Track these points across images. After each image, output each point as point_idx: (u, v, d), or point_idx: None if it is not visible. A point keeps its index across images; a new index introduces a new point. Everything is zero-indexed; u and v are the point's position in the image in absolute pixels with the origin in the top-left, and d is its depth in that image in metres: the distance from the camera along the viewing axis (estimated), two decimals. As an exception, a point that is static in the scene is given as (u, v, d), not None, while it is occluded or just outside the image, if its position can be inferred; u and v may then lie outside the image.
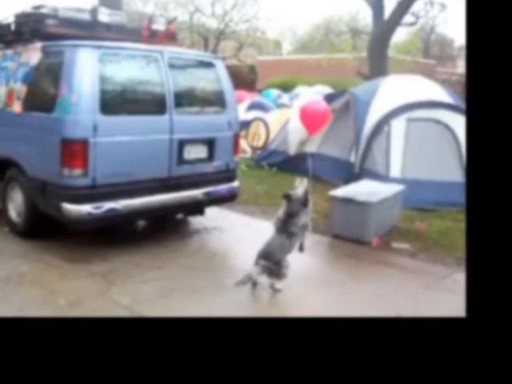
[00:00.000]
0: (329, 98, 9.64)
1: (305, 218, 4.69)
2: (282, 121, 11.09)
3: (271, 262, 4.52)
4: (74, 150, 4.94)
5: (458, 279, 5.27)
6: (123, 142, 5.20)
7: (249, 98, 16.78)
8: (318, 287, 4.95)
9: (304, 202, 4.66)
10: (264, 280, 4.63)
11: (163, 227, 6.43)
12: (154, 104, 5.53)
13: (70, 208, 4.97)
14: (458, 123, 8.03)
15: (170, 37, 6.65)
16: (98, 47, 5.12)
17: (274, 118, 12.31)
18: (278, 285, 4.59)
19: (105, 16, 6.12)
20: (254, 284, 4.60)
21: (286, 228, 4.63)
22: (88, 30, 5.91)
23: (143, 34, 6.45)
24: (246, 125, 12.33)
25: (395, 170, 7.68)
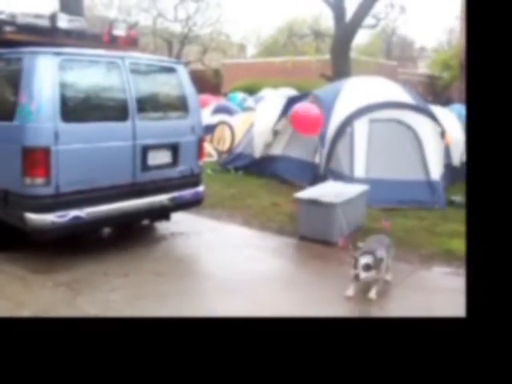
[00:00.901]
0: (292, 101, 9.69)
1: None
2: (247, 124, 11.12)
3: None
4: (36, 159, 4.87)
5: (422, 276, 5.38)
6: (86, 149, 5.15)
7: (214, 101, 16.78)
8: (286, 288, 4.98)
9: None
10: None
11: (129, 234, 6.39)
12: (116, 110, 5.48)
13: (33, 217, 4.89)
14: (420, 123, 8.22)
15: (131, 42, 6.62)
16: (58, 54, 5.06)
17: (239, 122, 12.34)
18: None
19: (64, 22, 6.05)
20: None
21: None
22: (47, 36, 5.84)
23: (104, 39, 6.40)
24: (211, 129, 12.34)
25: (359, 171, 7.79)
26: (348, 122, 8.08)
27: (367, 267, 4.48)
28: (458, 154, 9.61)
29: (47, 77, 4.93)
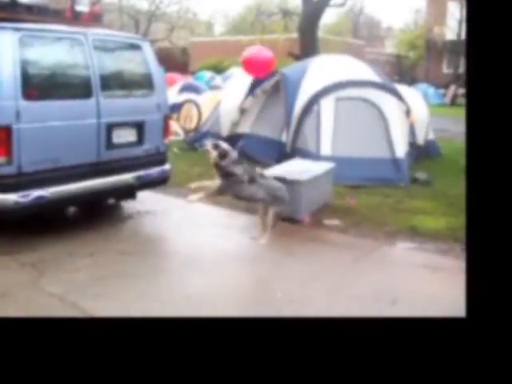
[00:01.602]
0: (259, 79, 9.67)
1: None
2: (214, 102, 11.06)
3: None
4: (-3, 138, 4.77)
5: (385, 252, 5.49)
6: (49, 127, 5.06)
7: (181, 80, 16.63)
8: (252, 265, 5.02)
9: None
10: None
11: (94, 213, 6.33)
12: (79, 88, 5.39)
13: (-5, 197, 4.81)
14: (385, 101, 8.30)
15: (94, 18, 6.52)
16: (18, 29, 4.92)
17: (205, 100, 12.27)
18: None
19: (24, -3, 5.92)
20: None
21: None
22: (7, 11, 5.70)
23: (66, 15, 6.28)
24: (177, 107, 12.24)
25: (326, 149, 7.84)
26: (314, 100, 8.11)
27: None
28: (423, 133, 9.77)
29: (7, 53, 4.81)
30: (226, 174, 4.61)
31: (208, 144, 4.82)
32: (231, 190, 4.67)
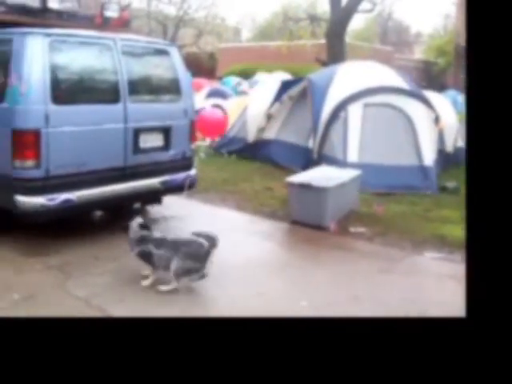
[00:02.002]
0: (286, 85, 9.65)
1: None
2: (241, 108, 11.06)
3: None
4: (26, 141, 4.83)
5: (413, 261, 5.40)
6: (77, 131, 5.11)
7: (208, 85, 16.72)
8: (278, 272, 4.98)
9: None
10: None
11: (120, 217, 6.35)
12: (107, 92, 5.44)
13: (23, 200, 4.86)
14: (414, 108, 8.20)
15: (123, 24, 6.56)
16: (48, 35, 4.99)
17: (232, 106, 12.29)
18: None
19: (55, 3, 6.00)
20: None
21: None
22: (38, 17, 5.77)
23: (96, 21, 6.34)
24: (204, 113, 12.28)
25: (352, 155, 7.77)
26: (342, 106, 8.05)
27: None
28: (452, 140, 9.62)
29: (37, 58, 4.87)
30: (137, 254, 4.59)
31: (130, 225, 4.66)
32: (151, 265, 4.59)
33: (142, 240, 4.50)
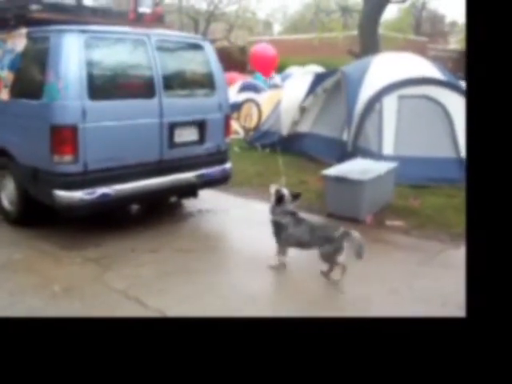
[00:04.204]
0: (320, 78, 9.58)
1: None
2: (274, 101, 11.03)
3: None
4: (64, 137, 4.91)
5: (452, 254, 5.31)
6: (113, 126, 5.17)
7: (240, 79, 16.71)
8: (314, 266, 4.95)
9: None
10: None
11: (156, 211, 6.42)
12: (142, 87, 5.48)
13: (62, 194, 4.95)
14: (450, 99, 8.03)
15: (156, 19, 6.60)
16: (84, 32, 5.05)
17: (265, 99, 12.27)
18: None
19: (90, 0, 6.06)
20: None
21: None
22: (73, 14, 5.85)
23: (129, 17, 6.39)
24: (237, 106, 12.31)
25: (388, 148, 7.67)
26: (376, 98, 7.95)
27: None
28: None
29: (74, 55, 4.94)
30: (272, 222, 4.65)
31: (271, 188, 4.81)
32: (277, 238, 4.67)
33: (285, 213, 4.66)
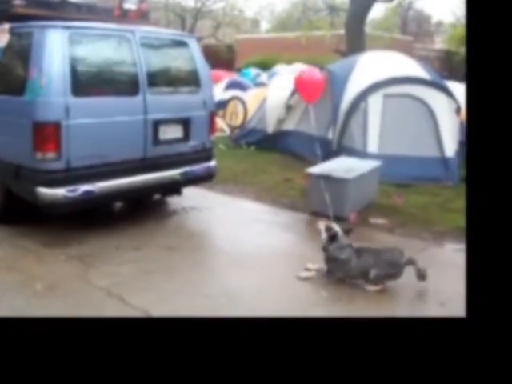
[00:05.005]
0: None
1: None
2: (260, 99, 11.04)
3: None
4: (47, 133, 4.87)
5: (434, 253, 5.35)
6: (97, 123, 5.14)
7: (227, 77, 16.68)
8: (297, 263, 4.97)
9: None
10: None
11: (140, 208, 6.40)
12: (126, 84, 5.46)
13: (45, 192, 4.91)
14: (435, 99, 8.10)
15: (141, 16, 6.57)
16: (68, 28, 5.02)
17: (251, 97, 12.26)
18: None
19: (74, -5, 6.03)
20: None
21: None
22: (57, 10, 5.81)
23: (114, 13, 6.36)
24: (223, 104, 12.29)
25: (372, 146, 7.71)
26: (362, 97, 7.98)
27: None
28: (474, 130, 9.48)
29: (57, 51, 4.91)
30: (330, 259, 4.57)
31: (320, 225, 4.74)
32: (338, 274, 4.59)
33: (342, 248, 4.53)
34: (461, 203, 6.71)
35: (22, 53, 5.16)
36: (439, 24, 51.03)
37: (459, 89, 9.90)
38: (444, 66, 35.41)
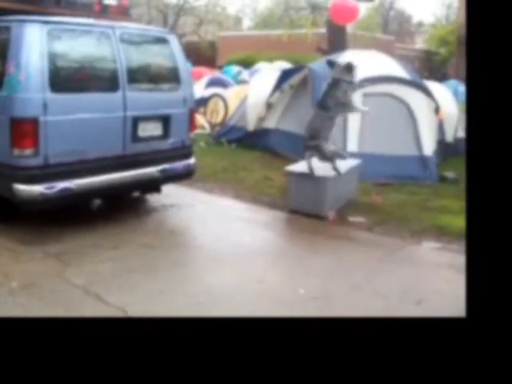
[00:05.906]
0: (287, 74, 9.61)
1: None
2: (241, 97, 11.03)
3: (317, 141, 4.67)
4: (24, 130, 4.82)
5: (412, 251, 5.41)
6: (75, 120, 5.09)
7: (209, 74, 16.66)
8: (275, 261, 5.00)
9: (347, 68, 4.64)
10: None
11: (119, 206, 6.36)
12: (106, 81, 5.42)
13: (22, 188, 4.86)
14: (414, 98, 8.17)
15: (122, 12, 6.53)
16: (46, 23, 4.96)
17: (232, 94, 12.26)
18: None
19: (53, -10, 5.95)
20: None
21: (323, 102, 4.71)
22: (36, 4, 5.74)
23: (94, 8, 6.30)
24: (204, 101, 12.26)
25: (352, 145, 7.76)
26: (342, 95, 7.99)
27: None
28: (452, 130, 9.59)
29: (35, 46, 4.85)
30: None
31: None
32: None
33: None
34: (438, 202, 6.82)
35: (0, 48, 5.08)
36: (420, 24, 51.50)
37: (439, 89, 10.03)
38: (424, 66, 35.72)
